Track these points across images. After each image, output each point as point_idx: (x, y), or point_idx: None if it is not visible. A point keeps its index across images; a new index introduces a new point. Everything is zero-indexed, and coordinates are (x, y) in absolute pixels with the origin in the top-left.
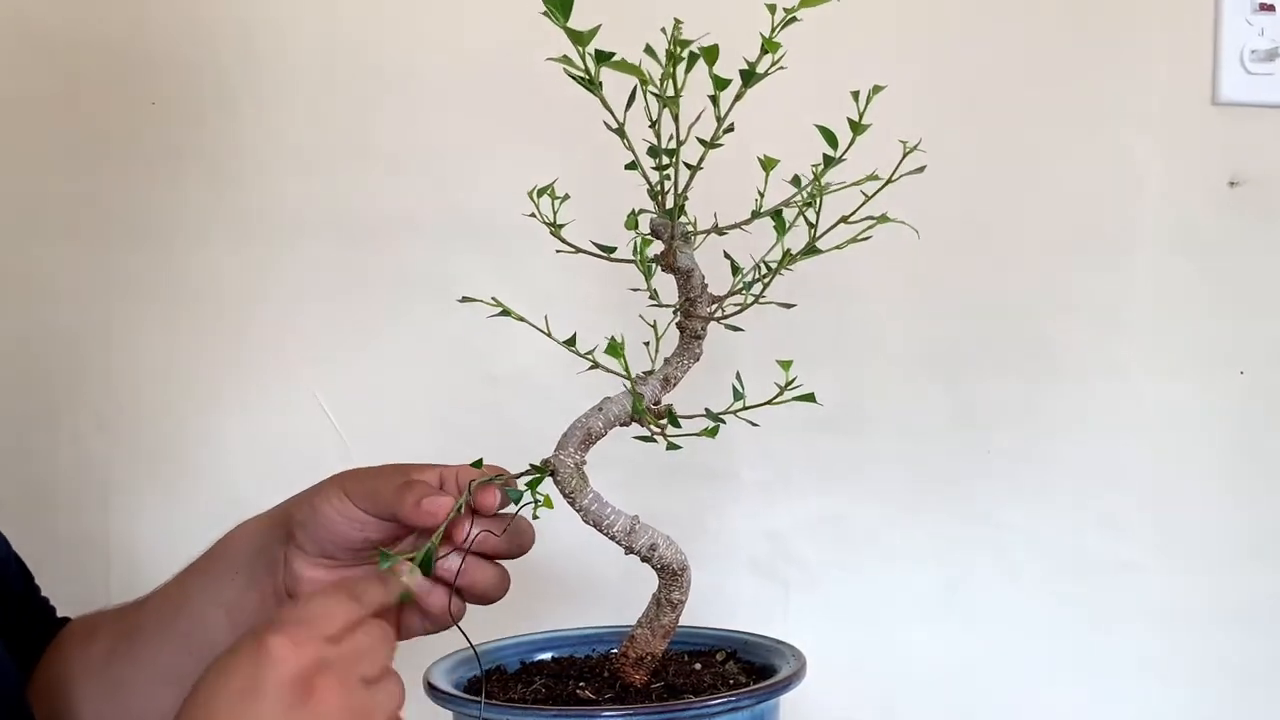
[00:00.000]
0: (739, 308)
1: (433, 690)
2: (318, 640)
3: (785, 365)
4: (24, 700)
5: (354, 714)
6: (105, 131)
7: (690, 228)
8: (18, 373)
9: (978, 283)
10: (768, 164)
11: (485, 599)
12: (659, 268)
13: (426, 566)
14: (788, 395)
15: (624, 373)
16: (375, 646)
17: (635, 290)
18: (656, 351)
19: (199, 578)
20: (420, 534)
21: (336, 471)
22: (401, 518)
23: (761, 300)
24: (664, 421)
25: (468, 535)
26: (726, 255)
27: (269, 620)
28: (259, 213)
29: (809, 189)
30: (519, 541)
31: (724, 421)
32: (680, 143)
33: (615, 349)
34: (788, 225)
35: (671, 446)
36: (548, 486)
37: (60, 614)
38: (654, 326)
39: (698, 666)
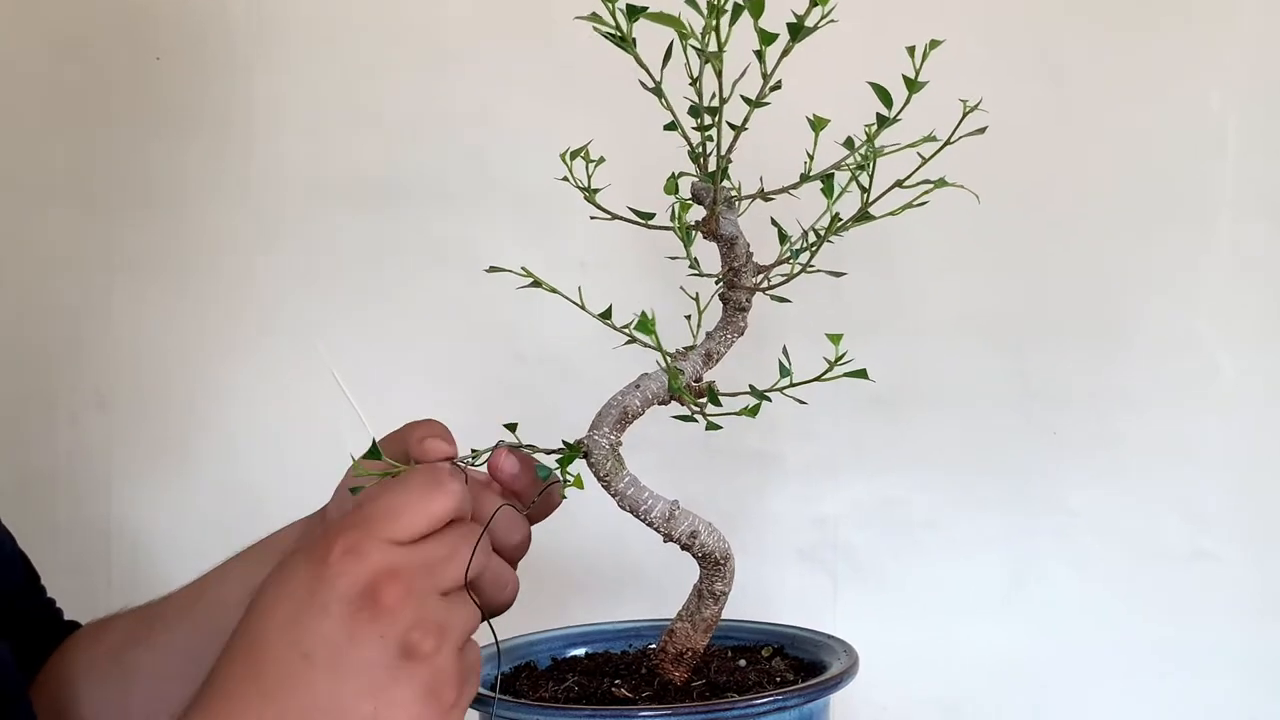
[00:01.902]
0: (785, 278)
1: None
2: (384, 544)
3: (835, 339)
4: (25, 700)
5: (427, 630)
6: (106, 88)
7: (734, 192)
8: (11, 349)
9: (1042, 250)
10: (817, 124)
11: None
12: (700, 235)
13: None
14: (838, 371)
15: (658, 348)
16: (453, 551)
17: (675, 259)
18: (698, 325)
19: (236, 565)
20: None
21: (355, 451)
22: (412, 455)
23: (810, 269)
24: (704, 400)
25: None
26: (774, 222)
27: (330, 523)
28: (271, 178)
29: (862, 151)
30: (509, 535)
31: (768, 399)
32: (724, 101)
33: (646, 324)
34: (838, 190)
35: (711, 426)
36: (579, 468)
37: (62, 613)
38: (695, 298)
39: (742, 663)
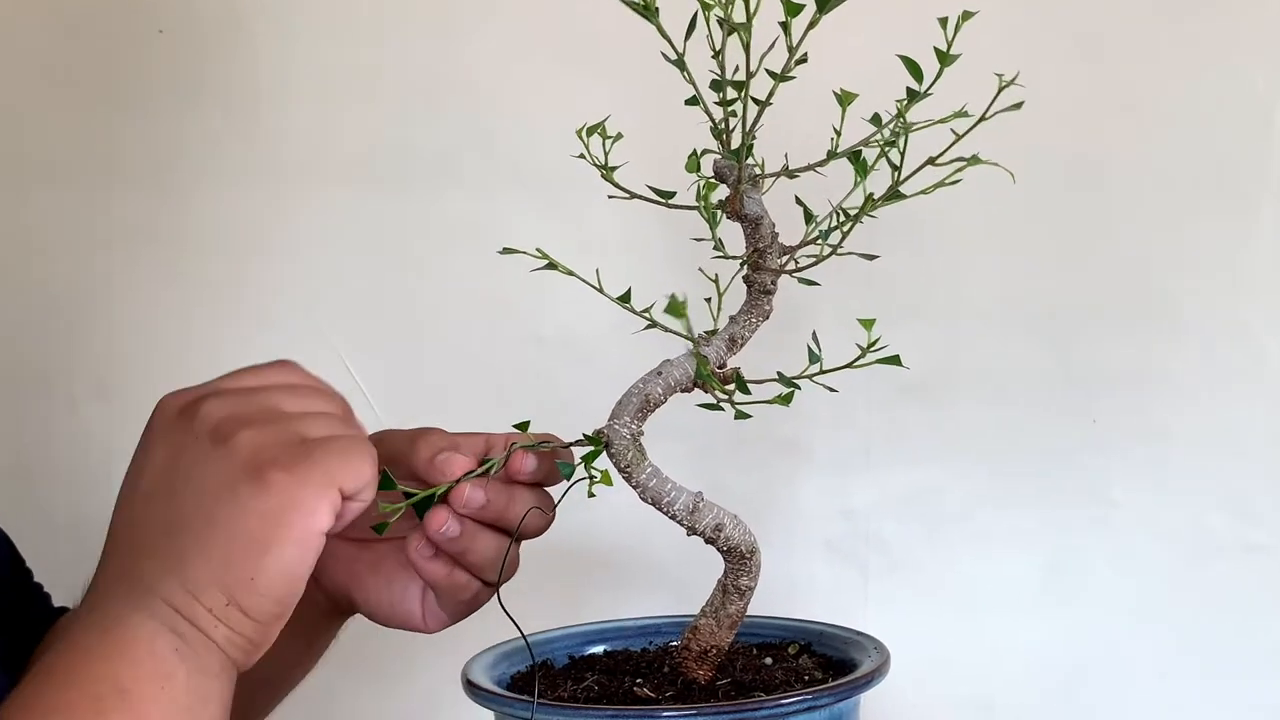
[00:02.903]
0: (814, 259)
1: (473, 688)
2: (211, 386)
3: (867, 324)
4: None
5: (240, 418)
6: (106, 62)
7: (758, 170)
8: (7, 333)
9: (1083, 232)
10: (845, 99)
11: (480, 576)
12: (724, 215)
13: (421, 509)
14: (871, 357)
15: (686, 333)
16: (279, 376)
17: (700, 240)
18: (719, 309)
19: None
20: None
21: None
22: (418, 473)
23: (840, 251)
24: (731, 387)
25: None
26: (798, 201)
27: None
28: (278, 154)
29: (892, 126)
30: (540, 521)
31: (798, 387)
32: (751, 74)
33: (676, 307)
34: (869, 167)
35: (740, 415)
36: (603, 461)
37: (50, 598)
38: (715, 281)
39: (768, 661)
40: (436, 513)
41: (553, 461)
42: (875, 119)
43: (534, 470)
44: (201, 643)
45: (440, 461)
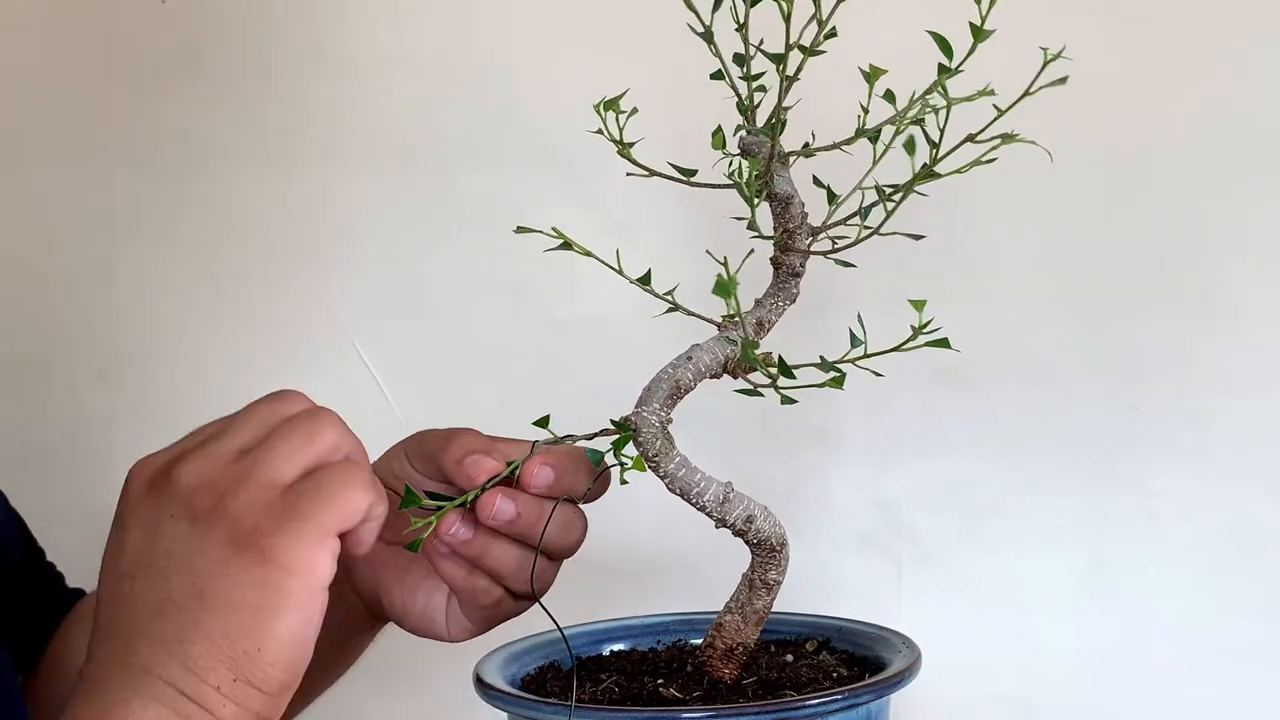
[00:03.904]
0: (853, 241)
1: (485, 688)
2: (174, 447)
3: (918, 305)
4: (13, 688)
5: (209, 489)
6: (108, 37)
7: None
8: (4, 316)
9: (1125, 212)
10: (873, 75)
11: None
12: (763, 193)
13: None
14: (921, 340)
15: (734, 313)
16: (256, 413)
17: (739, 219)
18: (734, 286)
19: None
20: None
21: (378, 432)
22: (447, 473)
23: (883, 232)
24: (774, 370)
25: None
26: (816, 181)
27: None
28: (286, 133)
29: (926, 100)
30: (565, 537)
31: (841, 372)
32: (789, 47)
33: (724, 287)
34: (889, 146)
35: (786, 400)
36: (631, 450)
37: (63, 577)
38: (725, 262)
39: (789, 658)
40: (448, 514)
41: (575, 473)
42: (888, 96)
43: (549, 483)
44: None
45: (468, 464)
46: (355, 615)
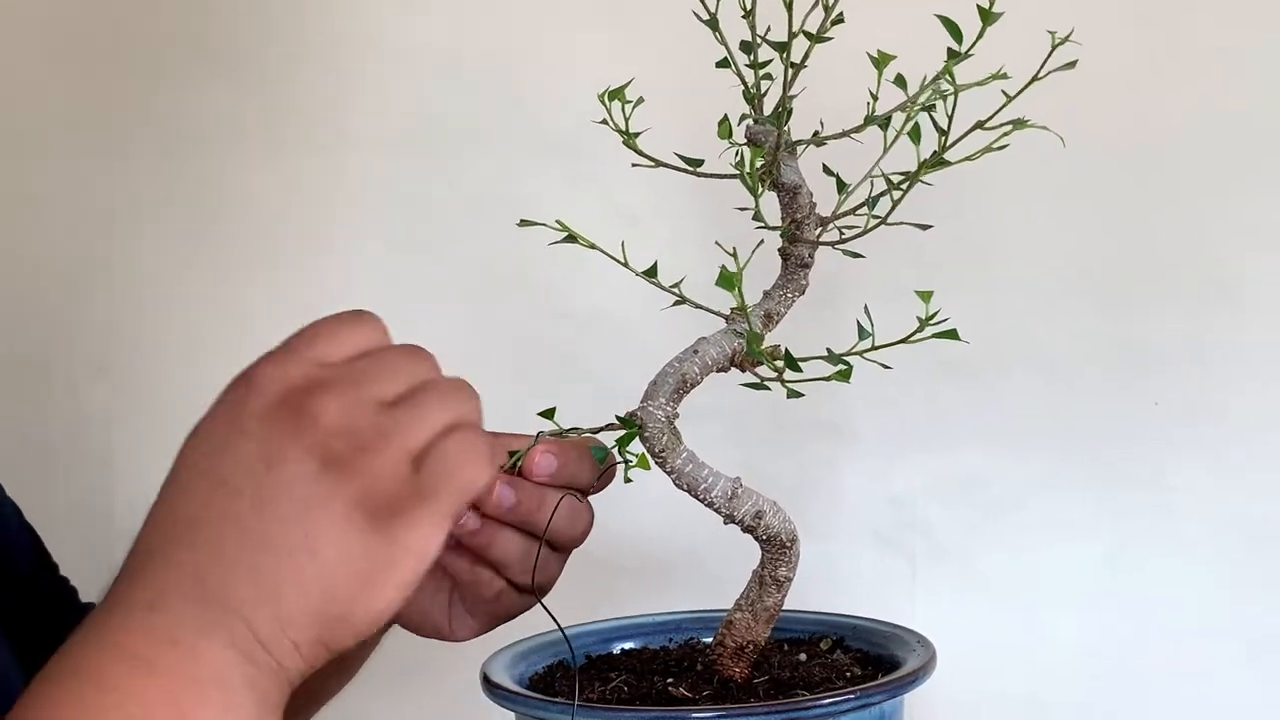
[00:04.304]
0: (860, 231)
1: (492, 687)
2: (309, 361)
3: (925, 296)
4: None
5: (353, 436)
6: (109, 22)
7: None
8: (3, 312)
9: (1142, 200)
10: (881, 60)
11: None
12: (767, 183)
13: None
14: (928, 331)
15: (739, 305)
16: (399, 363)
17: (743, 210)
18: (741, 281)
19: None
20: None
21: None
22: None
23: (890, 221)
24: (780, 364)
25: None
26: (826, 170)
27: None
28: (291, 122)
29: (936, 86)
30: (569, 528)
31: (849, 365)
32: (793, 35)
33: (728, 279)
34: (900, 132)
35: (793, 394)
36: (636, 446)
37: (76, 592)
38: (734, 254)
39: (802, 657)
40: None
41: (579, 463)
42: (899, 81)
43: (552, 471)
44: (273, 672)
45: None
46: None
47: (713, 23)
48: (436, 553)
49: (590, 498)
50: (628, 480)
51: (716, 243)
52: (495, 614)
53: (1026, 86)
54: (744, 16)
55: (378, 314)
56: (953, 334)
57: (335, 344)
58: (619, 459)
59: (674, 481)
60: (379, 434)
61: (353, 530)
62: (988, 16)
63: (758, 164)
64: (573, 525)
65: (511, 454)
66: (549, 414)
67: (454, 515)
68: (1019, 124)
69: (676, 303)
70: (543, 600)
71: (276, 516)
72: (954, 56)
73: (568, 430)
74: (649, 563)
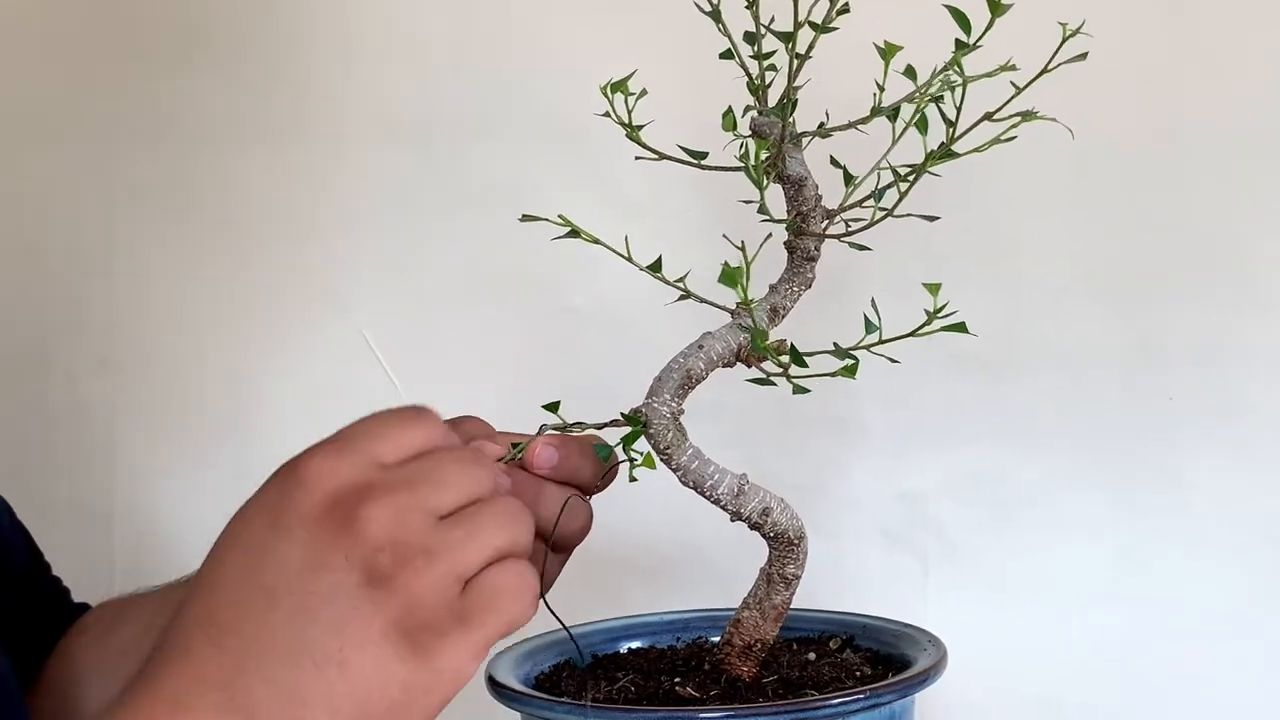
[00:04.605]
0: (867, 223)
1: (498, 687)
2: (362, 460)
3: (932, 288)
4: (16, 698)
5: (398, 552)
6: (108, 11)
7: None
8: (1, 302)
9: (1158, 193)
10: (889, 51)
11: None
12: (772, 176)
13: None
14: (936, 325)
15: (742, 300)
16: (456, 471)
17: (748, 203)
18: (747, 277)
19: None
20: None
21: None
22: None
23: (896, 214)
24: (786, 359)
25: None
26: (834, 162)
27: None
28: (292, 111)
29: (945, 78)
30: (567, 524)
31: (856, 359)
32: (798, 25)
33: (731, 275)
34: (909, 124)
35: (799, 390)
36: (642, 444)
37: (69, 593)
38: (741, 248)
39: (811, 656)
40: None
41: (581, 458)
42: (909, 72)
43: (554, 464)
44: None
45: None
46: None
47: (716, 14)
48: (470, 677)
49: (594, 496)
50: (632, 479)
51: (724, 236)
52: None
53: (1036, 78)
54: (748, 7)
55: (436, 410)
56: (961, 327)
57: (392, 443)
58: (623, 457)
59: (680, 479)
60: (427, 552)
61: (390, 650)
62: (997, 8)
63: (762, 156)
64: (572, 522)
65: (513, 445)
66: (553, 407)
67: (493, 644)
68: (1028, 116)
69: (681, 297)
70: (545, 599)
71: (313, 626)
72: (962, 48)
73: (571, 426)
74: (655, 561)
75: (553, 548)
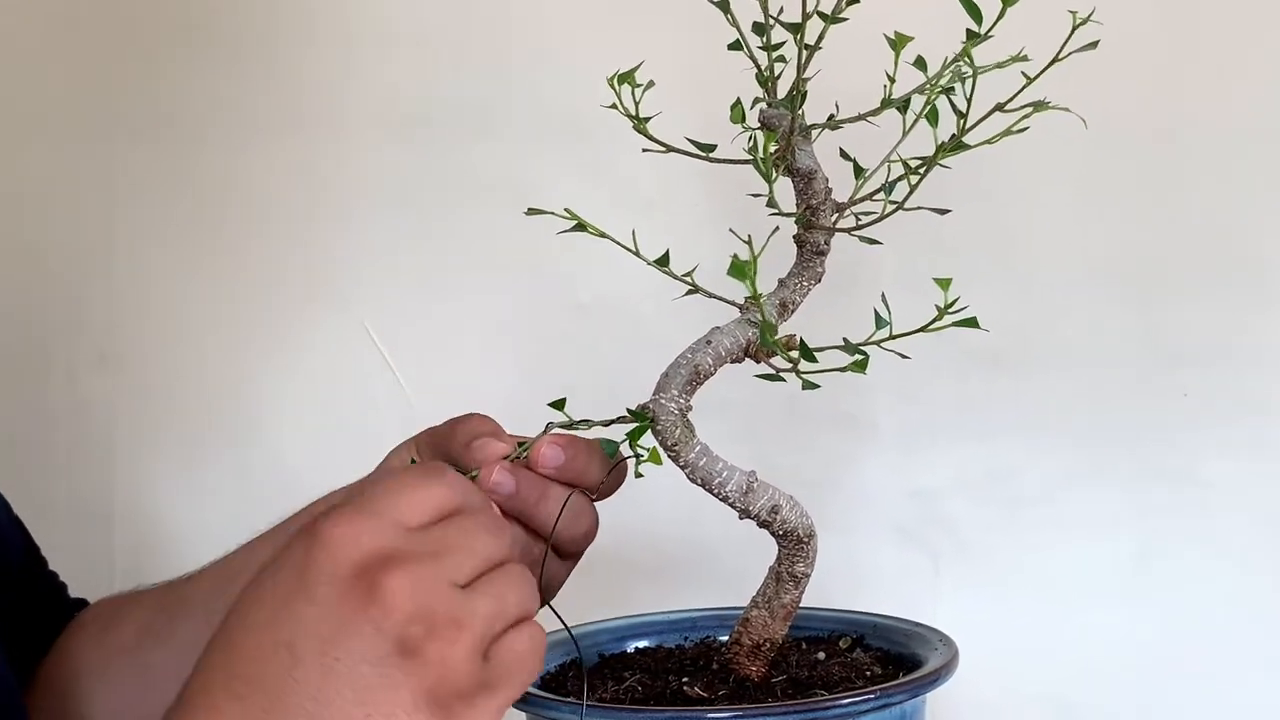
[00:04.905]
0: (877, 217)
1: None
2: (386, 525)
3: (943, 283)
4: (14, 695)
5: (432, 625)
6: (110, 2)
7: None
8: (1, 296)
9: (1173, 185)
10: (899, 42)
11: None
12: (781, 169)
13: None
14: (947, 320)
15: (752, 294)
16: (476, 538)
17: (756, 196)
18: (754, 270)
19: (266, 544)
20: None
21: (388, 416)
22: (454, 458)
23: (907, 207)
24: (795, 355)
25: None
26: (844, 154)
27: (330, 507)
28: (294, 104)
29: (955, 69)
30: (572, 527)
31: (866, 354)
32: (807, 15)
33: (740, 268)
34: (919, 116)
35: (808, 385)
36: (648, 439)
37: (66, 588)
38: (749, 242)
39: (820, 655)
40: None
41: (588, 458)
42: (919, 63)
43: (559, 463)
44: None
45: (476, 447)
46: None
47: (724, 4)
48: None
49: (600, 499)
50: (639, 475)
51: (730, 230)
52: None
53: (1047, 68)
54: None
55: (451, 472)
56: (973, 322)
57: (412, 505)
58: (630, 453)
59: (688, 476)
60: (456, 623)
61: (421, 718)
62: None
63: (771, 149)
64: (576, 526)
65: (520, 443)
66: (559, 404)
67: (509, 706)
68: (1039, 106)
69: (689, 292)
70: (550, 605)
71: (338, 692)
72: (973, 38)
73: (578, 423)
74: (663, 559)
75: (558, 552)
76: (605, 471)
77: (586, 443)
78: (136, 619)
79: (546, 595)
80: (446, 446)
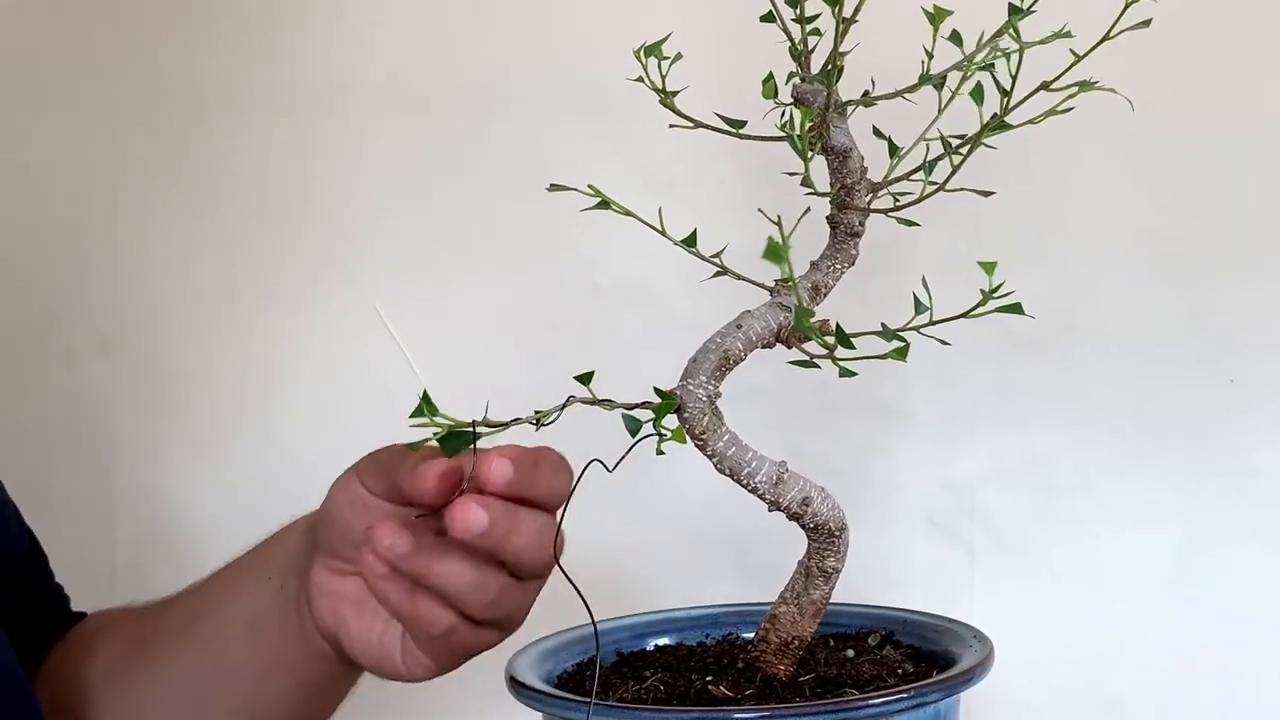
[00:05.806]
0: (917, 197)
1: (518, 687)
2: None
3: (988, 267)
4: (30, 698)
5: None
6: None
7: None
8: None
9: (1217, 166)
10: (938, 16)
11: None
12: (818, 146)
13: None
14: (991, 305)
15: (789, 280)
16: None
17: (791, 174)
18: (787, 250)
19: (235, 576)
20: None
21: (402, 403)
22: (400, 487)
23: (948, 188)
24: (831, 340)
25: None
26: (877, 132)
27: None
28: (304, 81)
29: (995, 44)
30: (534, 552)
31: (905, 341)
32: None
33: (775, 250)
34: (955, 93)
35: (845, 373)
36: (670, 421)
37: (69, 601)
38: (778, 222)
39: (850, 653)
40: (383, 524)
41: (534, 472)
42: (955, 37)
43: (509, 479)
44: None
45: (420, 469)
46: (320, 658)
47: None
48: None
49: (628, 474)
50: (659, 453)
51: (760, 210)
52: (450, 650)
53: (1096, 46)
54: None
55: None
56: (1017, 308)
57: None
58: (651, 433)
59: (715, 465)
60: None
61: None
62: None
63: (807, 125)
64: (537, 550)
65: (447, 439)
66: (585, 379)
67: None
68: (1085, 86)
69: (717, 273)
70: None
71: None
72: (1015, 12)
73: (601, 403)
74: (686, 552)
75: (516, 576)
76: (565, 486)
77: (531, 453)
78: (119, 643)
79: (506, 629)
80: (392, 476)
